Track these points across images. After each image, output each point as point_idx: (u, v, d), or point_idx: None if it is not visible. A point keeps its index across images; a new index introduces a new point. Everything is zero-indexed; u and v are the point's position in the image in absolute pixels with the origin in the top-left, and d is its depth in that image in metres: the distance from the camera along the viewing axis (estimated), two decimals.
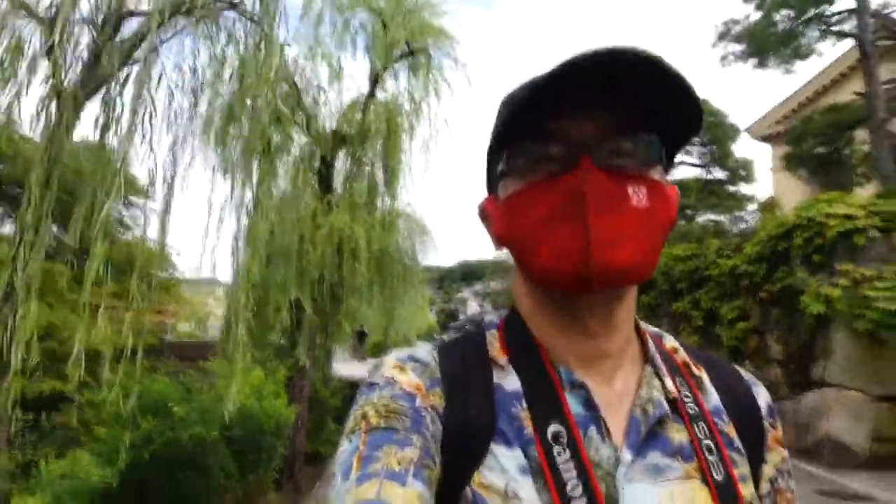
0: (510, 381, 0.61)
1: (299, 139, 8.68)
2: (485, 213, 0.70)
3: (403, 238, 10.34)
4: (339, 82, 8.41)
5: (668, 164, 0.64)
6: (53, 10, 3.19)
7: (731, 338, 7.84)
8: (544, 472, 0.55)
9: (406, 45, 9.09)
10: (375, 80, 9.29)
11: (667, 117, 0.59)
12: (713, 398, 0.66)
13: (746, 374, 0.73)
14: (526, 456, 0.56)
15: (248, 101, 8.10)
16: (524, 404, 0.59)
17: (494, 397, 0.60)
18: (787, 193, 11.44)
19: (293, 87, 8.75)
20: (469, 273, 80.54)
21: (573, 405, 0.59)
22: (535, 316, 0.65)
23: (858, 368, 6.18)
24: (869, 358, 6.13)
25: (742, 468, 0.61)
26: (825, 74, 10.59)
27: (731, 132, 12.40)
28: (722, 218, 13.08)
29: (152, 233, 6.38)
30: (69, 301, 7.46)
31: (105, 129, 3.80)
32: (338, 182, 9.27)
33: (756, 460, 0.65)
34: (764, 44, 8.13)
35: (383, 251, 9.17)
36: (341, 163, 9.33)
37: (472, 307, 53.41)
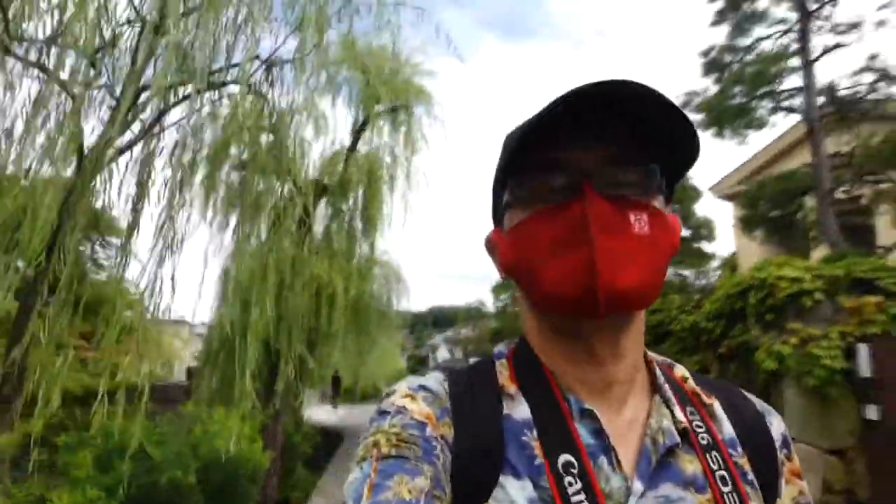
0: (520, 411, 0.61)
1: (281, 188, 8.96)
2: (491, 245, 0.71)
3: (379, 285, 10.57)
4: (324, 136, 8.75)
5: (670, 194, 0.65)
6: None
7: None
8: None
9: (389, 101, 9.52)
10: (358, 133, 9.67)
11: (666, 148, 0.60)
12: (726, 428, 0.65)
13: (760, 403, 0.72)
14: (535, 486, 0.55)
15: (233, 150, 8.37)
16: (534, 433, 0.59)
17: (504, 426, 0.60)
18: (749, 250, 12.05)
19: (277, 138, 9.07)
20: (440, 319, 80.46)
21: (583, 434, 0.59)
22: (543, 344, 0.65)
23: (808, 422, 6.53)
24: (817, 413, 6.49)
25: (755, 501, 0.60)
26: (781, 140, 11.37)
27: (693, 193, 13.12)
28: (687, 273, 13.68)
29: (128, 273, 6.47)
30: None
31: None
32: (318, 230, 9.51)
33: (770, 495, 0.63)
34: (720, 116, 8.80)
35: (359, 298, 9.36)
36: (321, 211, 9.61)
37: (443, 354, 53.17)
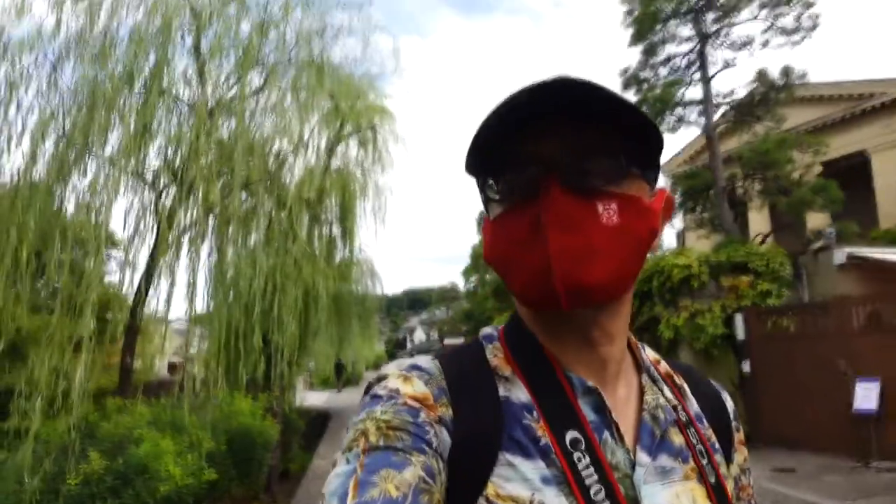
0: (518, 393, 0.61)
1: (267, 202, 10.29)
2: (483, 234, 0.70)
3: (356, 282, 12.05)
4: (303, 156, 10.12)
5: (654, 177, 0.65)
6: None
7: None
8: (568, 480, 0.55)
9: (356, 123, 10.95)
10: (330, 152, 11.08)
11: (632, 134, 0.59)
12: (694, 405, 0.71)
13: (715, 382, 0.79)
14: (547, 465, 0.56)
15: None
16: (535, 415, 0.59)
17: (503, 409, 0.60)
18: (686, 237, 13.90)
19: (262, 158, 10.41)
20: (415, 301, 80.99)
21: (586, 411, 0.61)
22: (538, 327, 0.65)
23: None
24: (705, 369, 8.20)
25: (723, 469, 0.66)
26: (696, 142, 13.16)
27: None
28: None
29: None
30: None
31: None
32: (301, 237, 10.91)
33: (727, 461, 0.69)
34: None
35: (339, 296, 10.83)
36: (303, 221, 11.01)
37: (420, 335, 54.55)
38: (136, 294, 7.52)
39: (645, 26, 9.50)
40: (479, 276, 28.04)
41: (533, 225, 0.57)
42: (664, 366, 0.73)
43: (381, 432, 0.55)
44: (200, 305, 8.48)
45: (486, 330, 0.71)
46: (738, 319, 7.79)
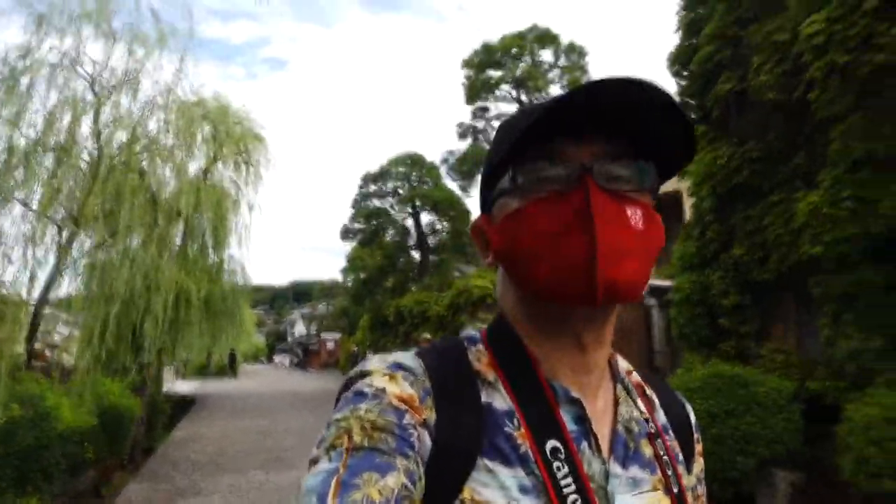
0: (501, 400, 0.62)
1: (147, 212, 11.58)
2: (479, 231, 0.71)
3: (227, 284, 13.59)
4: (181, 175, 11.59)
5: (656, 192, 0.66)
6: None
7: None
8: (547, 489, 0.56)
9: (233, 146, 12.59)
10: (206, 171, 12.61)
11: (658, 145, 0.61)
12: (662, 417, 0.73)
13: (679, 395, 0.80)
14: (526, 473, 0.57)
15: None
16: (517, 423, 0.60)
17: (485, 415, 0.60)
18: None
19: (142, 174, 11.70)
20: (301, 293, 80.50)
21: (567, 421, 0.61)
22: (527, 329, 0.65)
23: None
24: None
25: (685, 479, 0.68)
26: None
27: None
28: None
29: None
30: None
31: None
32: (175, 243, 12.31)
33: (688, 471, 0.72)
34: (471, 170, 13.02)
35: (210, 296, 12.39)
36: (179, 230, 12.42)
37: (300, 329, 54.95)
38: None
39: (474, 91, 11.97)
40: (356, 276, 29.26)
41: (573, 216, 0.57)
42: (636, 376, 0.74)
43: (366, 433, 0.54)
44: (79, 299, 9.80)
45: (468, 332, 0.71)
46: None
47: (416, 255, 22.20)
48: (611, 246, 0.56)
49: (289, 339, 56.85)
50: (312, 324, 48.38)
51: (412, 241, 21.75)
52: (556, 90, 15.70)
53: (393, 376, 0.60)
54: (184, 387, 20.38)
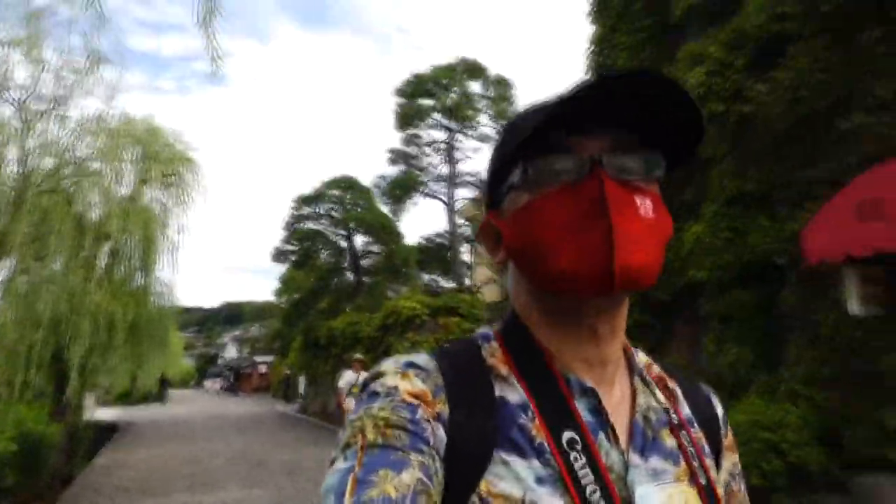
0: (514, 393, 0.62)
1: (73, 236, 11.34)
2: (488, 228, 0.70)
3: (154, 308, 13.40)
4: (110, 198, 11.46)
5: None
6: None
7: None
8: (564, 480, 0.56)
9: (162, 169, 12.55)
10: (134, 192, 12.50)
11: (666, 136, 0.62)
12: (685, 409, 0.71)
13: (705, 386, 0.79)
14: (542, 465, 0.57)
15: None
16: (531, 414, 0.60)
17: (499, 408, 0.60)
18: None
19: (66, 196, 11.51)
20: (233, 315, 78.51)
21: (583, 412, 0.61)
22: (541, 324, 0.66)
23: None
24: None
25: (713, 472, 0.66)
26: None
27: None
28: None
29: None
30: None
31: None
32: (101, 266, 12.10)
33: (716, 465, 0.70)
34: (399, 195, 13.54)
35: (136, 320, 12.20)
36: (105, 252, 12.22)
37: (231, 352, 53.65)
38: None
39: (406, 119, 12.57)
40: (291, 297, 28.85)
41: (588, 205, 0.58)
42: (656, 369, 0.74)
43: (379, 430, 0.55)
44: None
45: (481, 330, 0.72)
46: None
47: (350, 276, 22.40)
48: (626, 235, 0.57)
49: (219, 362, 55.13)
50: (244, 346, 47.28)
51: (346, 262, 22.00)
52: (485, 119, 17.29)
53: (405, 374, 0.61)
54: (106, 413, 19.65)
